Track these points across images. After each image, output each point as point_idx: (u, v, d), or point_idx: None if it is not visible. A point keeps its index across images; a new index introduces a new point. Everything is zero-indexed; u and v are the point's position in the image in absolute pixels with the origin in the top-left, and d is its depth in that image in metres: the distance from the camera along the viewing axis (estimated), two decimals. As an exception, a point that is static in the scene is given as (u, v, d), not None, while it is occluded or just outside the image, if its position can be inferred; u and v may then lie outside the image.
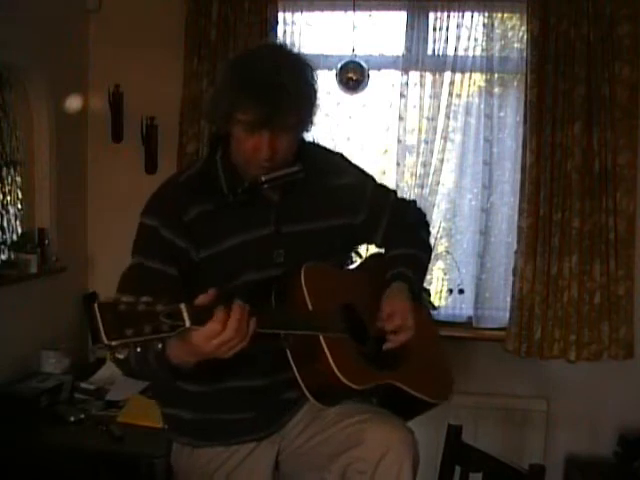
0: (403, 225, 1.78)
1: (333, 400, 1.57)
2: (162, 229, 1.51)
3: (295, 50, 1.57)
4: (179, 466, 1.74)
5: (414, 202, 1.90)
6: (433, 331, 1.90)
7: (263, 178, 1.50)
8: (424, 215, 1.88)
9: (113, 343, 1.11)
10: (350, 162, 1.76)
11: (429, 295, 1.97)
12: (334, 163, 1.72)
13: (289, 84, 1.42)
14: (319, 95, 1.54)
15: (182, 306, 1.20)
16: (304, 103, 1.48)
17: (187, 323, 1.20)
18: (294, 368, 1.50)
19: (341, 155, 1.77)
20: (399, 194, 1.90)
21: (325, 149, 1.76)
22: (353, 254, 1.90)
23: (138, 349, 1.15)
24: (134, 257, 1.55)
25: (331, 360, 1.46)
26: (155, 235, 1.52)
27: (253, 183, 1.52)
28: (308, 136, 1.65)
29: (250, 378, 1.59)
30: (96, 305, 1.11)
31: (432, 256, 1.88)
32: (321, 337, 1.47)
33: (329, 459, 1.56)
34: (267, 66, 1.43)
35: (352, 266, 1.83)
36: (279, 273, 1.56)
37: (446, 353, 1.88)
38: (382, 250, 1.84)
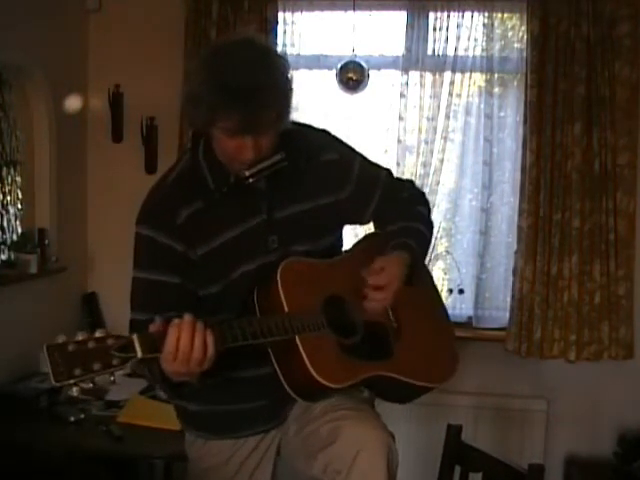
0: (398, 201, 1.73)
1: (318, 398, 1.56)
2: (159, 237, 1.52)
3: (264, 42, 1.53)
4: (191, 456, 1.77)
5: (410, 182, 1.84)
6: (435, 304, 1.84)
7: (247, 173, 1.49)
8: (422, 193, 1.82)
9: (65, 383, 1.17)
10: (336, 138, 1.72)
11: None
12: (318, 140, 1.68)
13: (265, 84, 1.39)
14: (293, 81, 1.50)
15: (134, 337, 1.22)
16: (282, 98, 1.45)
17: (139, 354, 1.22)
18: (276, 368, 1.50)
19: (326, 132, 1.72)
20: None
21: (308, 127, 1.72)
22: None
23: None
24: (137, 271, 1.56)
25: (307, 361, 1.45)
26: (154, 245, 1.52)
27: (238, 178, 1.51)
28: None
29: (253, 368, 1.59)
30: (45, 347, 1.15)
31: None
32: (297, 338, 1.46)
33: (312, 454, 1.56)
34: (241, 68, 1.40)
35: (344, 249, 1.75)
36: (274, 259, 1.55)
37: (451, 328, 1.83)
38: (376, 231, 1.80)
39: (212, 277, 1.55)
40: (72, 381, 1.17)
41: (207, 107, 1.41)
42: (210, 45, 1.49)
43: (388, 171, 1.78)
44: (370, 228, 1.86)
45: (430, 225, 1.78)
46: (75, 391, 1.20)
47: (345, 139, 1.73)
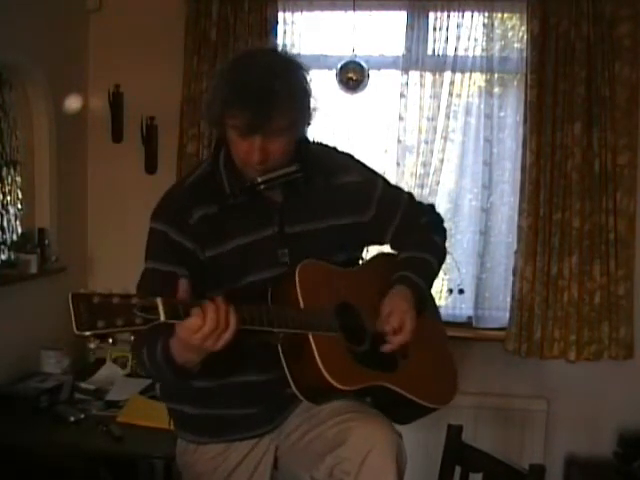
0: (415, 227, 1.77)
1: (322, 399, 1.57)
2: (171, 233, 1.56)
3: (290, 54, 1.59)
4: (184, 462, 1.76)
5: (431, 205, 1.89)
6: (439, 333, 1.86)
7: (259, 179, 1.53)
8: (441, 220, 1.86)
9: (85, 333, 1.15)
10: (359, 162, 1.77)
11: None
12: (340, 162, 1.73)
13: (281, 89, 1.43)
14: (314, 97, 1.55)
15: (158, 300, 1.22)
16: (296, 106, 1.49)
17: (162, 317, 1.22)
18: (284, 365, 1.51)
19: (349, 155, 1.77)
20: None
21: (331, 148, 1.77)
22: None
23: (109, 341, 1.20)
24: (148, 262, 1.60)
25: (318, 359, 1.46)
26: (165, 240, 1.57)
27: (251, 184, 1.55)
28: (311, 137, 1.66)
29: (252, 373, 1.61)
30: (70, 296, 1.15)
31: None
32: (310, 335, 1.48)
33: (318, 457, 1.56)
34: (260, 71, 1.45)
35: (358, 264, 1.80)
36: (283, 272, 1.57)
37: (453, 356, 1.84)
38: (392, 251, 1.82)
39: (218, 281, 1.57)
40: (93, 332, 1.16)
41: (221, 101, 1.46)
42: (239, 50, 1.57)
43: (410, 194, 1.83)
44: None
45: (442, 253, 1.81)
46: (94, 344, 1.20)
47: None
